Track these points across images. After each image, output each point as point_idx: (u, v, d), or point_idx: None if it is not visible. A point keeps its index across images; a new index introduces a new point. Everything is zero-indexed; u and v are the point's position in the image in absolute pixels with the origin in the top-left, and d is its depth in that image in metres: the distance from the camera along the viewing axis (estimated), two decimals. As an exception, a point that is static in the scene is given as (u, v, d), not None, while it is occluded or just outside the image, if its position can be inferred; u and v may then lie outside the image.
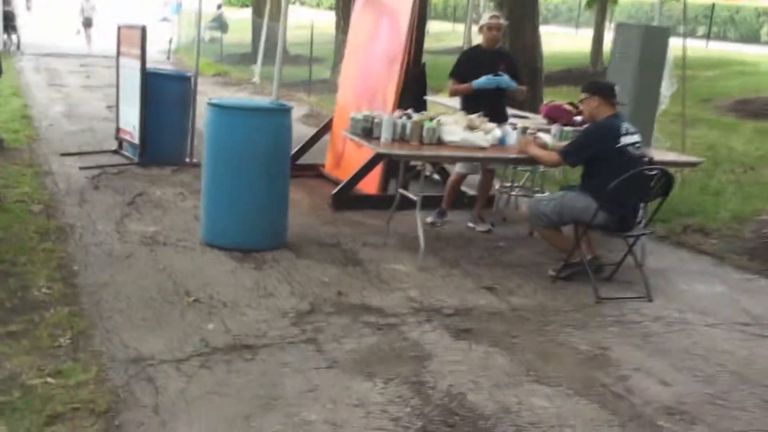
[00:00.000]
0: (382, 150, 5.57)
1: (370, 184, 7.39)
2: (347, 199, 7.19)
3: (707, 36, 26.57)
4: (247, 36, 24.71)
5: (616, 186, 5.13)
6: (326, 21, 30.51)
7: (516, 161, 6.07)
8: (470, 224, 6.91)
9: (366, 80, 7.87)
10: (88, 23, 23.59)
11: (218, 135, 5.65)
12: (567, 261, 5.58)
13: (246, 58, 21.53)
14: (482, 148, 5.79)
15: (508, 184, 7.46)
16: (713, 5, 26.36)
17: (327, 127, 8.59)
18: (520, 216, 5.69)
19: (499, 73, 6.53)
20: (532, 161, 5.81)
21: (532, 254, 6.30)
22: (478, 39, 6.97)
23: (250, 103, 6.11)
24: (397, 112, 6.04)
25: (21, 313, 4.40)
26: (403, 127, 5.74)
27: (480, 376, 4.04)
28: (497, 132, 5.91)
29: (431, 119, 5.86)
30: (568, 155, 5.46)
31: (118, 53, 8.88)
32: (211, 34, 27.08)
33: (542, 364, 4.24)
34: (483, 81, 6.44)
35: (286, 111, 5.79)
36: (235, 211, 5.69)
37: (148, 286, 4.94)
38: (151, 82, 8.36)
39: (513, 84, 6.60)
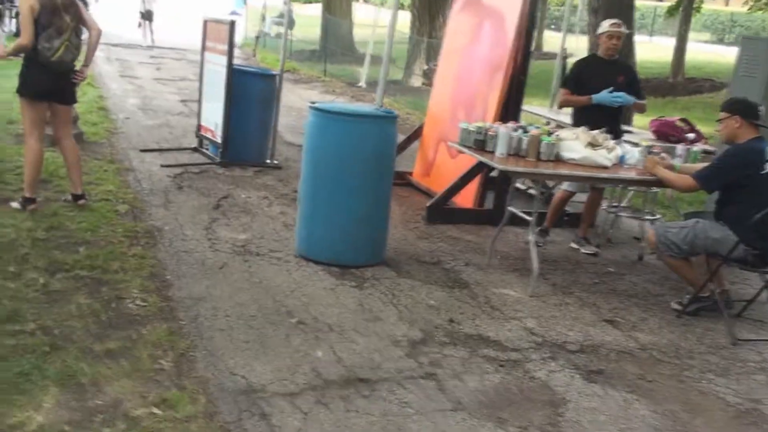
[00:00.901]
0: (498, 165, 5.14)
1: (466, 198, 6.97)
2: (442, 212, 6.79)
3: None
4: (313, 32, 24.48)
5: (762, 218, 4.63)
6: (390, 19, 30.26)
7: (642, 183, 5.59)
8: (574, 245, 6.46)
9: (464, 87, 7.44)
10: (148, 16, 22.24)
11: (320, 141, 5.29)
12: (695, 295, 5.10)
13: (315, 56, 21.25)
14: (604, 167, 5.33)
15: (615, 204, 6.96)
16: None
17: (417, 134, 8.19)
18: (647, 241, 5.21)
19: (612, 89, 6.06)
20: (660, 183, 5.33)
21: (645, 282, 5.83)
22: (573, 45, 6.52)
23: (354, 108, 5.74)
24: (511, 124, 5.60)
25: (117, 327, 4.09)
26: (519, 141, 5.31)
27: (624, 430, 3.60)
28: (619, 150, 5.44)
29: (549, 134, 5.42)
30: (706, 180, 4.96)
31: (203, 48, 8.60)
32: (277, 30, 26.89)
33: (690, 418, 3.79)
34: (606, 97, 5.98)
35: (392, 118, 5.40)
36: (335, 224, 5.33)
37: (246, 303, 4.60)
38: (236, 80, 8.06)
39: (632, 100, 6.14)
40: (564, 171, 5.22)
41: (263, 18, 27.39)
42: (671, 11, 19.85)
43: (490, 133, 5.34)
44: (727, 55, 24.52)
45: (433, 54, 16.52)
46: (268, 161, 8.48)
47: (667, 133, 7.14)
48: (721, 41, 30.74)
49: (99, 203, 6.23)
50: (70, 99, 6.02)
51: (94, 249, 5.19)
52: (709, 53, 26.32)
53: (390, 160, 5.42)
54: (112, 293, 4.50)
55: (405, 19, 30.94)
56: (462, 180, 6.80)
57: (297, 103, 13.38)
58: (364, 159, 5.23)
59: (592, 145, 5.31)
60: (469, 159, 6.96)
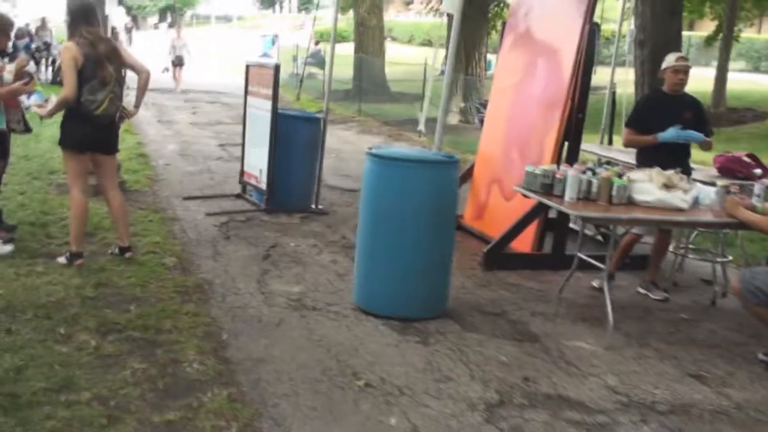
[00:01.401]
0: (570, 211, 4.86)
1: (524, 242, 6.68)
2: (500, 257, 6.50)
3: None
4: (345, 71, 24.47)
5: None
6: (419, 55, 30.23)
7: (724, 226, 5.27)
8: (642, 290, 6.12)
9: (517, 126, 7.19)
10: (179, 62, 21.65)
11: (379, 189, 5.05)
12: (785, 345, 4.76)
13: (349, 95, 21.17)
14: (680, 210, 5.03)
15: (683, 246, 6.63)
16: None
17: (467, 174, 7.92)
18: (731, 288, 4.87)
19: (681, 127, 5.78)
20: (742, 226, 5.01)
21: (724, 330, 5.48)
22: (621, 78, 6.23)
23: (413, 153, 5.50)
24: (578, 166, 5.32)
25: (176, 395, 3.83)
26: (589, 184, 5.03)
27: (736, 505, 3.26)
28: (694, 191, 5.14)
29: (620, 176, 5.14)
30: (796, 223, 4.65)
31: (246, 92, 8.45)
32: (309, 70, 26.94)
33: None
34: (672, 134, 5.70)
35: (454, 163, 5.15)
36: (395, 275, 5.06)
37: (309, 364, 4.33)
38: (281, 124, 7.88)
39: (700, 137, 5.85)
40: (639, 215, 4.92)
41: (294, 59, 27.50)
42: (710, 41, 19.53)
43: (557, 176, 5.07)
44: (764, 83, 24.14)
45: (469, 91, 16.36)
46: (313, 206, 8.26)
47: (733, 170, 6.82)
48: (757, 69, 30.27)
49: (146, 256, 6.04)
50: (113, 148, 5.86)
51: (146, 307, 4.97)
52: (747, 82, 25.88)
53: (453, 207, 5.17)
54: (167, 356, 4.26)
55: (432, 55, 30.93)
56: (520, 224, 6.51)
57: (334, 144, 13.17)
58: (425, 207, 4.98)
59: (667, 186, 5.01)
60: (526, 201, 6.69)
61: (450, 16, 15.75)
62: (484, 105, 10.66)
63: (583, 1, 6.55)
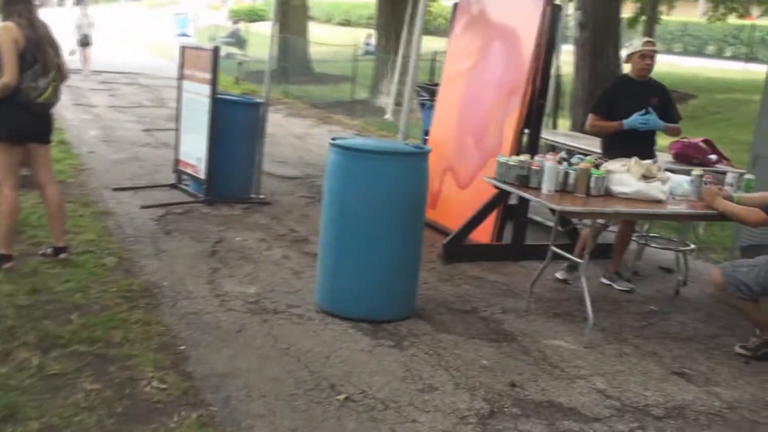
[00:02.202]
0: (551, 205, 4.61)
1: (483, 232, 6.43)
2: (460, 250, 6.24)
3: (746, 57, 25.83)
4: (267, 51, 23.80)
5: None
6: (339, 37, 29.69)
7: (704, 218, 5.11)
8: (606, 281, 5.97)
9: (472, 113, 6.92)
10: (85, 41, 19.80)
11: (346, 183, 4.69)
12: (765, 338, 4.64)
13: (272, 76, 20.47)
14: (658, 201, 4.85)
15: (644, 234, 6.50)
16: (752, 25, 25.61)
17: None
18: (712, 281, 4.73)
19: (648, 110, 5.61)
20: (722, 217, 4.86)
21: (694, 321, 5.37)
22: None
23: (381, 144, 5.13)
24: (551, 155, 5.08)
25: (138, 420, 3.42)
26: (566, 175, 4.79)
27: None
28: (673, 181, 4.97)
29: (596, 166, 4.92)
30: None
31: (181, 76, 7.93)
32: (227, 50, 26.14)
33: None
34: (638, 120, 5.53)
35: (424, 154, 4.84)
36: (364, 275, 4.73)
37: (280, 377, 3.96)
38: (219, 110, 7.41)
39: (662, 124, 5.70)
40: (621, 209, 4.71)
41: (212, 39, 26.64)
42: (632, 23, 19.75)
43: (533, 167, 4.82)
44: (679, 65, 24.64)
45: (400, 74, 16.03)
46: (254, 196, 7.85)
47: (689, 156, 6.75)
48: (670, 51, 30.94)
49: (83, 256, 5.53)
50: (49, 137, 5.34)
51: (90, 316, 4.50)
52: (663, 64, 26.34)
53: (423, 200, 4.85)
54: (122, 374, 3.83)
55: (357, 35, 30.51)
56: (480, 214, 6.26)
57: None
58: (396, 201, 4.66)
59: (645, 177, 4.83)
60: (482, 190, 6.47)
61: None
62: (424, 88, 10.34)
63: (541, -17, 6.31)
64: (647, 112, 5.60)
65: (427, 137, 10.19)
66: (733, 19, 20.96)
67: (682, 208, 4.89)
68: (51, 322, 4.36)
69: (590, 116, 5.95)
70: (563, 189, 4.81)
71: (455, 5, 7.54)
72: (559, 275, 5.96)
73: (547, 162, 4.74)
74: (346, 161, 4.70)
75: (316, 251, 6.13)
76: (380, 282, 4.73)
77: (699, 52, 29.64)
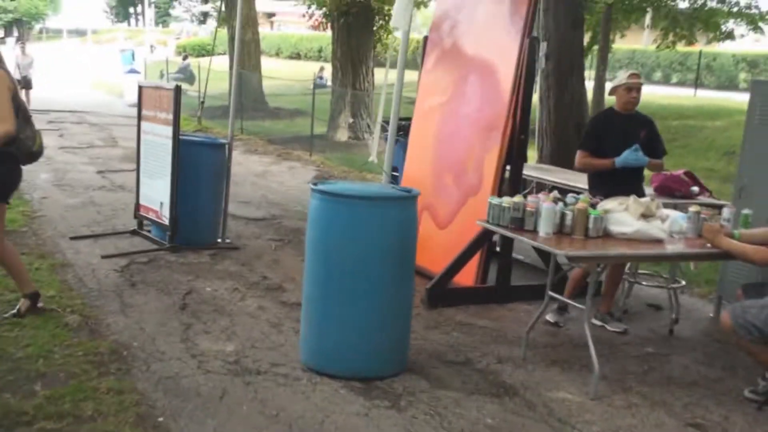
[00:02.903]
0: (553, 249, 4.32)
1: (466, 275, 6.16)
2: (444, 294, 5.96)
3: (695, 84, 26.25)
4: (219, 87, 23.41)
5: None
6: (289, 70, 29.46)
7: (710, 257, 4.88)
8: (597, 322, 5.72)
9: (449, 149, 6.68)
10: (26, 84, 18.95)
11: (331, 230, 4.38)
12: (775, 382, 4.44)
13: (226, 112, 20.09)
14: (658, 241, 4.63)
15: (633, 272, 6.30)
16: (700, 52, 26.07)
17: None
18: (721, 324, 4.50)
19: (637, 146, 5.43)
20: (726, 256, 4.65)
21: (695, 364, 5.15)
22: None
23: (366, 188, 4.81)
24: (543, 195, 4.84)
25: None
26: (562, 216, 4.55)
27: None
28: (672, 219, 4.76)
29: (592, 205, 4.69)
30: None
31: (140, 117, 7.55)
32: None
33: None
34: (630, 158, 5.35)
35: (413, 198, 4.55)
36: (353, 328, 4.40)
37: (273, 449, 3.61)
38: (183, 152, 7.05)
39: (645, 160, 5.52)
40: (627, 251, 4.46)
41: (162, 75, 26.18)
42: (586, 51, 19.80)
43: (528, 209, 4.56)
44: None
45: (358, 106, 15.84)
46: (221, 241, 7.47)
47: (672, 188, 6.60)
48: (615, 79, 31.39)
49: (42, 317, 5.09)
50: None
51: (56, 386, 4.08)
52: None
53: (413, 247, 4.56)
54: (97, 455, 3.44)
55: (309, 69, 30.25)
56: (463, 256, 6.01)
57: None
58: (386, 249, 4.36)
59: (645, 215, 4.61)
60: (465, 230, 6.23)
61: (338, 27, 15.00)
62: (400, 126, 10.07)
63: (519, 14, 6.12)
64: (635, 149, 5.42)
65: (395, 173, 9.99)
66: (679, 47, 21.14)
67: (683, 248, 4.67)
68: (12, 396, 3.94)
69: (579, 153, 5.74)
70: (560, 231, 4.56)
71: (425, 39, 7.33)
72: (549, 318, 5.70)
73: (544, 203, 4.49)
74: (329, 207, 4.39)
75: (292, 300, 5.86)
76: (371, 336, 4.41)
77: (647, 79, 30.05)
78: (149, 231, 7.49)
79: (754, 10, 19.91)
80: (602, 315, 5.75)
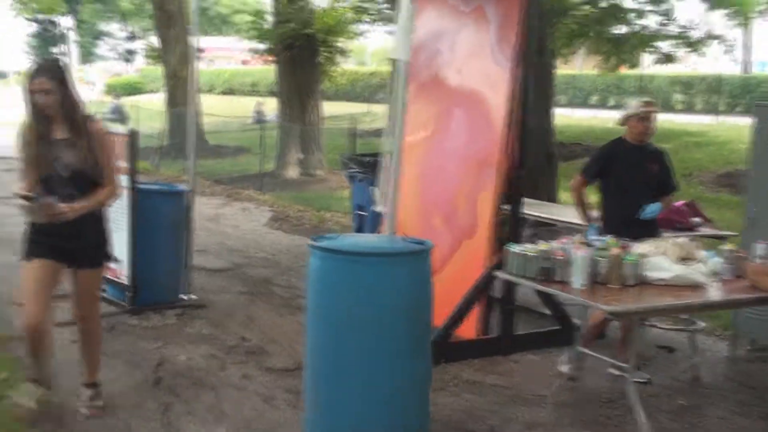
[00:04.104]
0: (597, 305, 3.83)
1: (467, 326, 5.63)
2: (446, 348, 5.41)
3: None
4: (156, 126, 22.60)
5: None
6: (225, 106, 28.74)
7: (763, 302, 4.41)
8: (613, 371, 5.25)
9: (435, 188, 6.17)
10: None
11: (340, 293, 3.80)
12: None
13: (164, 152, 19.31)
14: (700, 286, 4.18)
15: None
16: (641, 75, 26.29)
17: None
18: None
19: (643, 207, 5.11)
20: (773, 299, 4.22)
21: (731, 415, 4.74)
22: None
23: (375, 243, 4.23)
24: (565, 240, 4.35)
25: None
26: (595, 263, 4.07)
27: None
28: (713, 261, 4.33)
29: (623, 248, 4.22)
30: None
31: (90, 166, 6.84)
32: (110, 127, 24.71)
33: None
34: (654, 210, 5.10)
35: (426, 252, 4.01)
36: (368, 405, 3.83)
37: None
38: (141, 202, 6.39)
39: (657, 210, 5.18)
40: (676, 302, 3.99)
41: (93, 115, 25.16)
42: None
43: (558, 257, 4.06)
44: (571, 116, 25.03)
45: (308, 142, 15.29)
46: (185, 297, 6.80)
47: (673, 220, 6.21)
48: (555, 104, 31.54)
49: (-6, 405, 4.36)
50: None
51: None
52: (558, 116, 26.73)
53: (430, 306, 4.01)
54: None
55: (244, 104, 29.55)
56: (464, 306, 5.47)
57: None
58: (403, 310, 3.81)
59: (684, 259, 4.16)
60: (460, 276, 5.73)
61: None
62: (353, 159, 9.55)
63: (507, 41, 5.69)
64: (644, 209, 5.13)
65: (360, 212, 9.44)
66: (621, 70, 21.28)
67: (732, 293, 4.22)
68: None
69: (578, 177, 5.38)
70: (593, 279, 4.08)
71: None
72: (564, 369, 5.20)
73: (578, 251, 4.00)
74: (338, 267, 3.82)
75: (279, 365, 5.26)
76: (390, 413, 3.84)
77: (584, 103, 30.29)
78: (105, 291, 6.75)
79: (693, 33, 20.16)
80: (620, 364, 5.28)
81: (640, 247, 4.28)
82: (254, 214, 12.04)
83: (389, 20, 23.13)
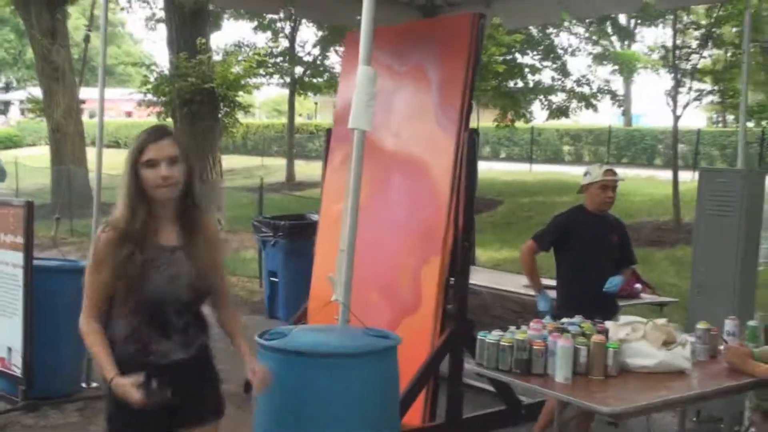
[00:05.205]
0: (588, 404, 3.39)
1: (412, 413, 5.12)
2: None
3: (529, 160, 26.95)
4: (37, 183, 21.33)
5: None
6: (114, 160, 27.50)
7: (749, 388, 4.08)
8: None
9: (373, 262, 5.65)
10: None
11: (300, 400, 3.25)
12: None
13: (46, 211, 18.02)
14: (682, 372, 3.85)
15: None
16: (532, 128, 26.82)
17: (298, 323, 6.22)
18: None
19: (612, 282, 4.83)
20: (761, 384, 3.92)
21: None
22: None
23: (334, 338, 3.65)
24: (535, 324, 3.94)
25: None
26: (575, 352, 3.67)
27: None
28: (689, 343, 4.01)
29: (599, 332, 3.84)
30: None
31: (-25, 240, 6.03)
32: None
33: None
34: (617, 283, 4.83)
35: (393, 348, 3.52)
36: None
37: None
38: (37, 282, 5.64)
39: (618, 283, 4.92)
40: (674, 396, 3.59)
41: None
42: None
43: (536, 347, 3.63)
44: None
45: (207, 200, 14.54)
46: (86, 386, 6.06)
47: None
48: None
49: None
50: None
51: None
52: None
53: (395, 406, 3.52)
54: None
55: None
56: (413, 391, 4.97)
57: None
58: (368, 410, 3.30)
59: (666, 342, 3.82)
60: (404, 358, 5.22)
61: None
62: (264, 223, 8.99)
63: (452, 104, 5.33)
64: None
65: (274, 279, 8.86)
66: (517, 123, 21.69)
67: (717, 379, 3.88)
68: None
69: (530, 243, 5.06)
70: (574, 371, 3.67)
71: (329, 132, 6.39)
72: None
73: (559, 341, 3.58)
74: (295, 373, 3.26)
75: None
76: None
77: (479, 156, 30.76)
78: (-7, 384, 5.92)
79: (585, 88, 20.76)
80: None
81: (617, 331, 3.91)
82: (153, 281, 11.19)
83: (285, 73, 22.92)
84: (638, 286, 6.16)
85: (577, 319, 4.07)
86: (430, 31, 5.83)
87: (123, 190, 2.79)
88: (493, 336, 3.73)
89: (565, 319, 4.05)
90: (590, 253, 4.79)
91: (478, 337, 3.82)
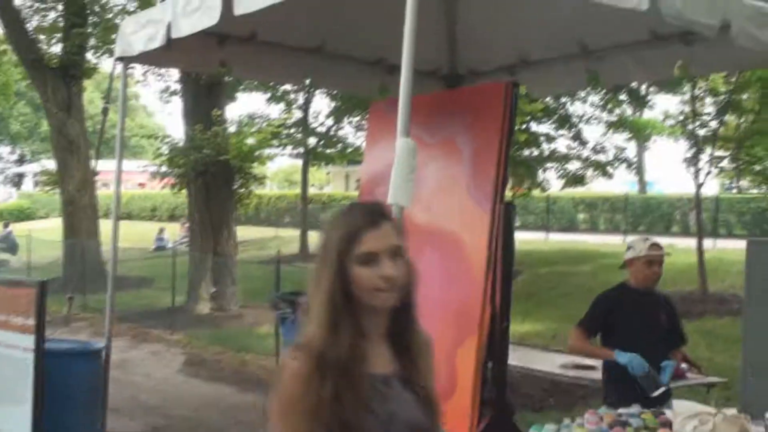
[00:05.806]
0: None
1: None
2: None
3: (546, 228, 26.66)
4: (50, 256, 21.12)
5: None
6: (127, 232, 27.41)
7: None
8: None
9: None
10: None
11: None
12: None
13: (58, 285, 17.79)
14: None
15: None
16: (548, 196, 26.63)
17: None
18: None
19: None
20: None
21: None
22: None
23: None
24: (590, 415, 3.60)
25: None
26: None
27: None
28: None
29: (663, 425, 3.50)
30: None
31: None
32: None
33: None
34: (671, 373, 4.47)
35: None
36: None
37: None
38: (48, 366, 5.32)
39: (667, 378, 4.57)
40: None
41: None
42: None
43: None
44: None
45: (221, 273, 14.28)
46: (100, 480, 5.68)
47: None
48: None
49: None
50: None
51: None
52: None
53: None
54: None
55: (145, 230, 28.32)
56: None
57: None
58: None
59: (741, 437, 3.47)
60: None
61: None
62: (283, 299, 8.68)
63: (487, 176, 5.09)
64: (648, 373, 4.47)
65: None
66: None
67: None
68: None
69: (574, 331, 4.72)
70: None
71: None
72: None
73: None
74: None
75: None
76: None
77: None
78: (-3, 478, 5.55)
79: (600, 156, 20.57)
80: None
81: (683, 424, 3.56)
82: (166, 358, 10.87)
83: (299, 144, 22.89)
84: (684, 366, 5.79)
85: (635, 408, 3.74)
86: (461, 101, 5.64)
87: (320, 297, 2.03)
88: (549, 427, 3.39)
89: (622, 410, 3.72)
90: (637, 334, 4.47)
91: (531, 430, 3.48)
